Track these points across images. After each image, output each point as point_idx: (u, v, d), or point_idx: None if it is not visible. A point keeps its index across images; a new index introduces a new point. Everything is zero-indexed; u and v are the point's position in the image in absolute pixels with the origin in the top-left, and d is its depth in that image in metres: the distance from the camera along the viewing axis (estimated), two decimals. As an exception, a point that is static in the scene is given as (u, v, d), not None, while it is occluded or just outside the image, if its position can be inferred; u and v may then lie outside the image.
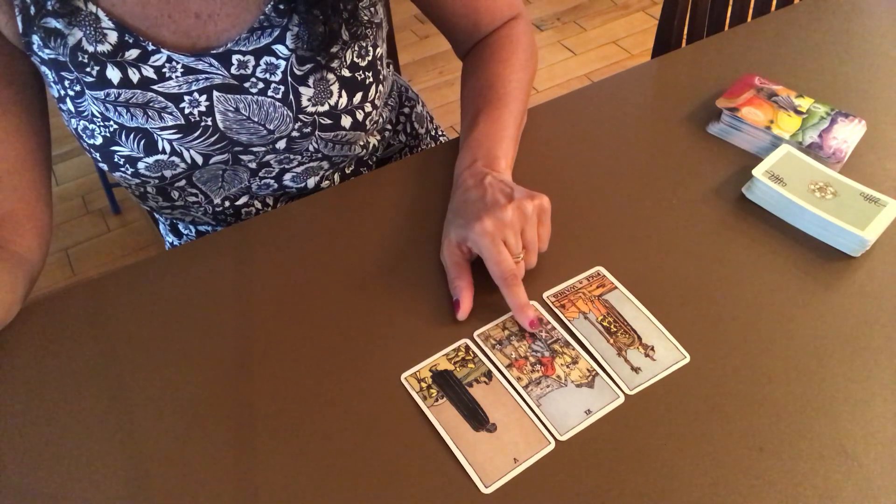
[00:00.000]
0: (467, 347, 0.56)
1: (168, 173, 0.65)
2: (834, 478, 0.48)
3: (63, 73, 0.60)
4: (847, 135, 0.72)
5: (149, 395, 0.53)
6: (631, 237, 0.65)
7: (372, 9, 0.67)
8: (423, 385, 0.54)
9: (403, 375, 0.54)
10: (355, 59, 0.66)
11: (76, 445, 0.50)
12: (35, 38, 0.58)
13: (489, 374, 0.54)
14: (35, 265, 0.63)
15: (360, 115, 0.69)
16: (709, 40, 0.90)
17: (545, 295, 0.60)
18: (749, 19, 1.14)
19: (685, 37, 1.14)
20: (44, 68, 0.60)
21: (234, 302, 0.60)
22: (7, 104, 0.60)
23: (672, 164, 0.72)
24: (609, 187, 0.70)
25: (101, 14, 0.58)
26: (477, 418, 0.52)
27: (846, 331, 0.57)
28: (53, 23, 0.57)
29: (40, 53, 0.59)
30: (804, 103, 0.75)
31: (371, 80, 0.68)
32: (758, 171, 0.66)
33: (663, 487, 0.48)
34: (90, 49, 0.58)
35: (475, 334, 0.57)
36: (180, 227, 0.84)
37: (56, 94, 0.62)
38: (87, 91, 0.60)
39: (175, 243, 0.86)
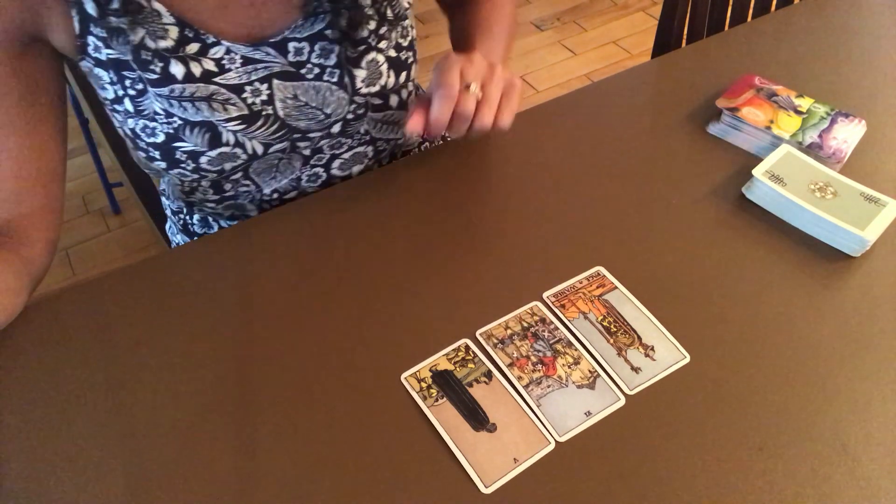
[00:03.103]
0: (467, 347, 0.56)
1: (228, 166, 0.66)
2: (834, 478, 0.48)
3: (125, 73, 0.60)
4: (847, 135, 0.72)
5: (149, 394, 0.53)
6: (631, 237, 0.65)
7: None
8: (423, 385, 0.54)
9: (403, 375, 0.54)
10: (399, 40, 0.69)
11: (76, 444, 0.50)
12: (91, 40, 0.58)
13: (489, 374, 0.54)
14: (40, 271, 0.63)
15: (404, 94, 0.72)
16: (709, 40, 0.90)
17: (545, 295, 0.60)
18: (749, 19, 1.14)
19: (685, 37, 1.14)
20: (98, 70, 0.60)
21: (234, 302, 0.60)
22: (34, 121, 0.60)
23: (672, 164, 0.72)
24: (609, 187, 0.70)
25: (162, 9, 0.58)
26: (477, 418, 0.52)
27: (846, 331, 0.57)
28: (116, 21, 0.57)
29: (96, 55, 0.59)
30: (804, 103, 0.75)
31: (412, 59, 0.71)
32: (758, 171, 0.66)
33: (663, 487, 0.48)
34: (153, 46, 0.59)
35: (477, 333, 0.57)
36: (209, 219, 0.83)
37: (111, 96, 0.62)
38: (150, 89, 0.60)
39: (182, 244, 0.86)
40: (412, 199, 0.69)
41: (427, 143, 0.89)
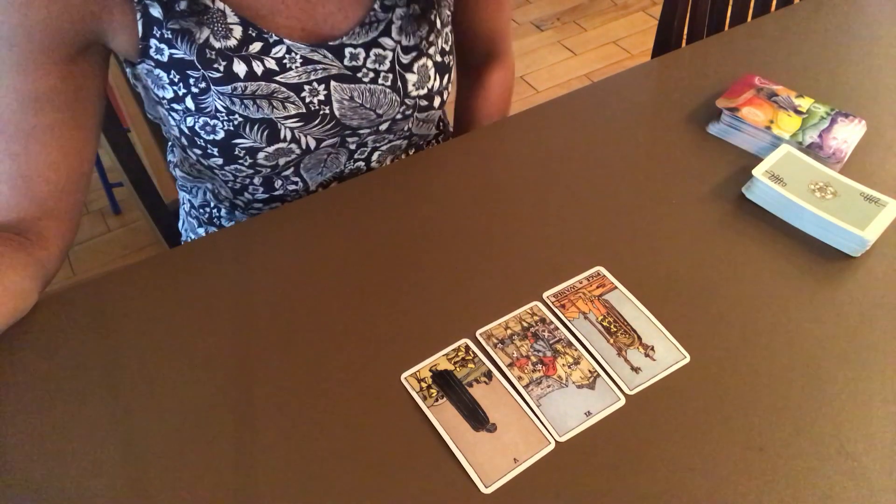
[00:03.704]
0: (467, 347, 0.56)
1: (283, 161, 0.68)
2: (834, 478, 0.48)
3: (189, 72, 0.61)
4: (847, 135, 0.72)
5: (149, 394, 0.53)
6: (631, 237, 0.65)
7: None
8: (423, 385, 0.54)
9: (403, 375, 0.54)
10: (443, 45, 0.72)
11: (76, 444, 0.50)
12: (153, 42, 0.59)
13: (489, 374, 0.54)
14: (51, 274, 0.63)
15: (445, 95, 0.75)
16: (709, 40, 0.90)
17: (545, 295, 0.60)
18: (749, 19, 1.14)
19: (685, 37, 1.14)
20: (158, 71, 0.61)
21: (234, 302, 0.60)
22: (74, 129, 0.59)
23: (672, 164, 0.72)
24: (609, 187, 0.70)
25: (227, 9, 0.59)
26: (477, 418, 0.52)
27: (846, 331, 0.57)
28: (182, 22, 0.58)
29: (157, 56, 0.60)
30: (804, 103, 0.75)
31: (452, 62, 0.75)
32: (758, 171, 0.66)
33: (663, 488, 0.48)
34: (217, 45, 0.60)
35: (477, 333, 0.57)
36: (239, 214, 0.83)
37: (170, 95, 0.63)
38: (212, 87, 0.62)
39: None
40: (411, 199, 0.69)
41: (436, 140, 0.90)
